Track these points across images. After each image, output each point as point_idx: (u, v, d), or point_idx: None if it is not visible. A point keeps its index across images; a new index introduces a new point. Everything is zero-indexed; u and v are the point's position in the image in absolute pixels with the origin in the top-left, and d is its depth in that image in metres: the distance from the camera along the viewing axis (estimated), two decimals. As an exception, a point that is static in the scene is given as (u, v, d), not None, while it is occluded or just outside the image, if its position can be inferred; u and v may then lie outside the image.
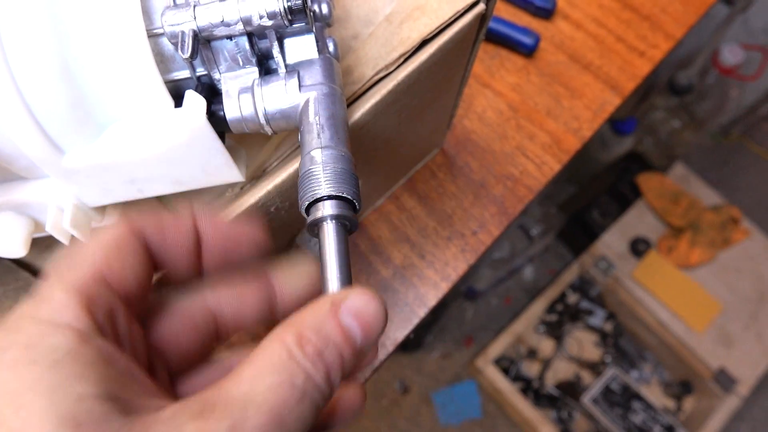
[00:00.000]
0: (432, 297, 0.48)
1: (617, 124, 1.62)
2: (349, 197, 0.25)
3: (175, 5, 0.28)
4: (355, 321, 0.20)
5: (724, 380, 1.44)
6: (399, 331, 0.47)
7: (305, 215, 0.26)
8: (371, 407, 1.55)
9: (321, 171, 0.26)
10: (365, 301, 0.20)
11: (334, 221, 0.25)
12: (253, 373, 0.17)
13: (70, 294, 0.17)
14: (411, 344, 1.62)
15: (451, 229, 0.50)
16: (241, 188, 0.37)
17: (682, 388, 1.53)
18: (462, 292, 1.63)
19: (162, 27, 0.28)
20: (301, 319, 0.19)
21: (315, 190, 0.25)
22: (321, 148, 0.26)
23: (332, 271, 0.24)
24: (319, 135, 0.27)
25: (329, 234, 0.25)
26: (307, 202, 0.25)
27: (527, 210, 0.52)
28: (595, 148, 1.71)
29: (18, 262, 0.46)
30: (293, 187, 0.31)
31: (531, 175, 0.52)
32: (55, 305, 0.17)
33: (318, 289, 0.24)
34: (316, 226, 0.25)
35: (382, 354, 0.47)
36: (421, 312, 0.48)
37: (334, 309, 0.20)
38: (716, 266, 1.57)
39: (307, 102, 0.29)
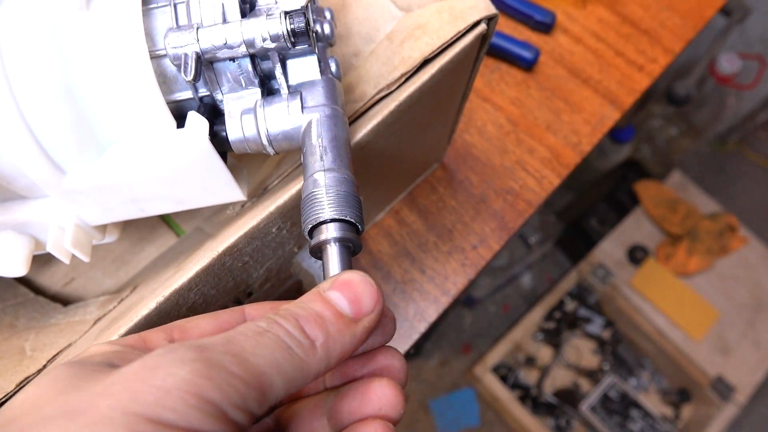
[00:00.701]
0: (432, 312, 0.48)
1: (615, 132, 1.63)
2: (352, 220, 0.25)
3: (178, 27, 0.28)
4: (337, 291, 0.21)
5: (722, 388, 1.44)
6: (399, 346, 0.47)
7: (308, 238, 0.26)
8: (369, 415, 1.54)
9: (324, 194, 0.26)
10: (350, 276, 0.22)
11: (337, 244, 0.25)
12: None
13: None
14: (409, 352, 1.62)
15: (452, 244, 0.50)
16: (243, 206, 0.37)
17: (680, 396, 1.53)
18: (460, 299, 1.63)
19: (165, 49, 0.28)
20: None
21: (318, 213, 0.25)
22: (324, 170, 0.26)
23: None
24: (321, 157, 0.27)
25: (333, 256, 0.25)
26: (311, 225, 0.25)
27: (527, 223, 0.52)
28: (593, 157, 1.71)
29: (18, 279, 0.46)
30: (295, 207, 0.30)
31: (531, 190, 0.52)
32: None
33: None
34: (319, 250, 0.25)
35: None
36: (421, 327, 0.48)
37: (318, 291, 0.22)
38: (714, 274, 1.58)
39: (309, 123, 0.29)
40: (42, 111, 0.27)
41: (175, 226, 0.47)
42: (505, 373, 1.56)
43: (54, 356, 0.33)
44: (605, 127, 0.55)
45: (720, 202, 1.66)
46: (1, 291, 0.43)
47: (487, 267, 0.51)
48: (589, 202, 1.72)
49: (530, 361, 1.58)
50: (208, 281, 0.29)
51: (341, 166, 0.27)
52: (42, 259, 0.47)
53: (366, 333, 0.21)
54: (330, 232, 0.25)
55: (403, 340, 0.47)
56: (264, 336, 0.18)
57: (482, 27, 0.33)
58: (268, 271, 0.36)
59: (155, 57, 0.29)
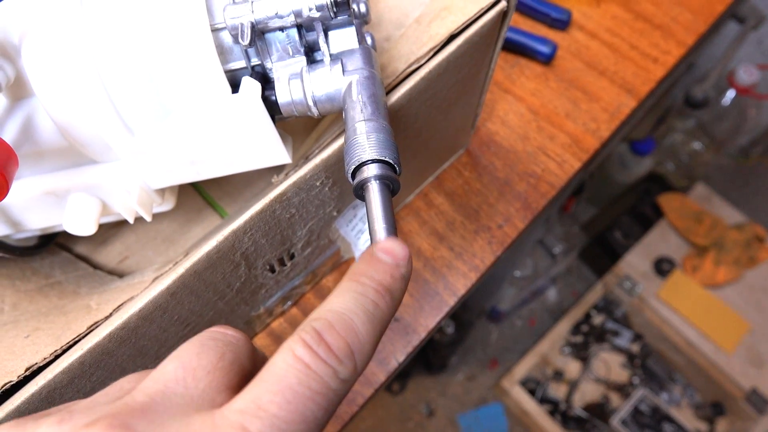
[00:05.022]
0: (461, 286, 0.51)
1: (636, 144, 1.64)
2: (390, 161, 0.29)
3: (235, 2, 0.32)
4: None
5: (757, 401, 1.41)
6: (430, 319, 0.50)
7: (351, 180, 0.29)
8: (397, 430, 1.54)
9: (365, 139, 0.29)
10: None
11: (378, 181, 0.28)
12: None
13: None
14: (436, 367, 1.62)
15: (478, 224, 0.53)
16: (286, 174, 0.41)
17: (713, 409, 1.50)
18: (486, 312, 1.64)
19: (223, 21, 0.32)
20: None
21: (360, 154, 0.28)
22: (364, 120, 0.30)
23: (379, 225, 0.27)
24: (362, 110, 0.30)
25: (374, 192, 0.28)
26: (353, 166, 0.29)
27: (549, 211, 0.54)
28: (614, 169, 1.73)
29: (77, 255, 0.50)
30: (337, 163, 0.34)
31: (553, 173, 0.55)
32: None
33: None
34: (362, 188, 0.28)
35: (416, 340, 0.49)
36: (452, 301, 0.50)
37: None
38: (743, 285, 1.56)
39: (350, 85, 0.32)
40: (118, 78, 0.31)
41: (219, 209, 0.51)
42: (533, 387, 1.55)
43: (118, 307, 0.36)
44: (623, 114, 0.58)
45: (745, 214, 1.65)
46: (63, 265, 0.47)
47: (513, 247, 0.53)
48: (613, 216, 1.73)
49: (558, 375, 1.57)
50: (260, 227, 0.33)
51: (379, 117, 0.30)
52: (98, 240, 0.51)
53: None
54: (371, 170, 0.28)
55: (434, 312, 0.50)
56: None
57: (503, 4, 0.37)
58: (310, 232, 0.39)
59: (215, 30, 0.33)
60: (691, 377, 1.54)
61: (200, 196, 0.52)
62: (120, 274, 0.48)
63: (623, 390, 1.54)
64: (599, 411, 1.51)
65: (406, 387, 1.61)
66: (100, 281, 0.45)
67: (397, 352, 0.49)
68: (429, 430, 1.55)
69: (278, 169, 0.36)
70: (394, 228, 0.27)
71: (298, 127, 0.48)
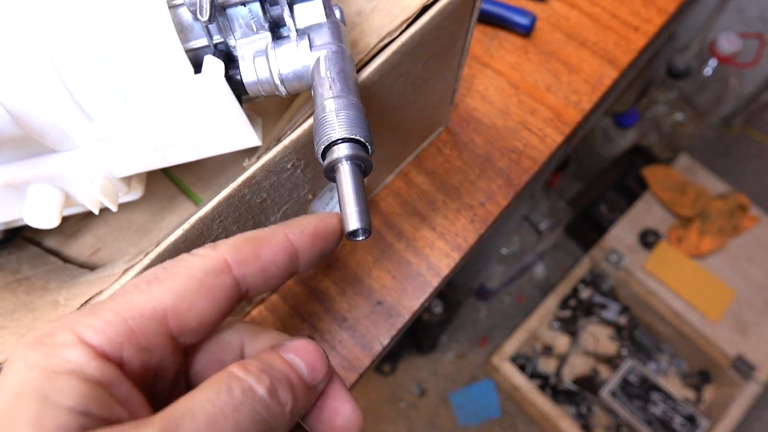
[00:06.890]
0: (444, 266, 0.50)
1: (619, 117, 1.64)
2: (362, 140, 0.27)
3: (192, -24, 0.30)
4: (296, 356, 0.21)
5: (743, 367, 1.43)
6: (414, 300, 0.49)
7: (321, 161, 0.28)
8: (390, 410, 1.55)
9: (334, 117, 0.27)
10: (304, 342, 0.22)
11: (349, 162, 0.27)
12: (195, 391, 0.18)
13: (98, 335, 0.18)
14: (426, 347, 1.63)
15: (460, 202, 0.52)
16: (258, 157, 0.39)
17: (700, 377, 1.52)
18: (474, 291, 1.64)
19: (181, -3, 0.30)
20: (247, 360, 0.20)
21: (329, 134, 0.27)
22: (333, 97, 0.28)
23: (351, 207, 0.26)
24: (330, 87, 0.29)
25: (345, 173, 0.26)
26: (323, 146, 0.27)
27: (532, 187, 0.53)
28: (599, 143, 1.72)
29: (46, 249, 0.48)
30: (308, 143, 0.32)
31: (535, 148, 0.54)
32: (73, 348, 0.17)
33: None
34: (332, 169, 0.27)
35: (399, 323, 0.48)
36: (435, 281, 0.49)
37: (275, 348, 0.22)
38: (727, 254, 1.57)
39: (318, 60, 0.31)
40: (72, 62, 0.29)
41: (193, 196, 0.49)
42: (523, 362, 1.56)
43: (86, 301, 0.35)
44: (604, 85, 0.57)
45: (728, 183, 1.66)
46: (32, 260, 0.45)
47: (496, 225, 0.52)
48: (599, 190, 1.73)
49: (548, 350, 1.59)
50: (229, 214, 0.31)
51: (349, 94, 0.29)
52: (68, 232, 0.49)
53: (315, 398, 0.22)
54: (341, 150, 0.27)
55: (418, 293, 0.49)
56: (239, 411, 0.17)
57: (476, -28, 0.35)
58: (285, 216, 0.38)
59: (172, 7, 0.31)
60: (678, 347, 1.56)
61: (172, 183, 0.50)
62: (92, 267, 0.47)
63: (612, 362, 1.55)
64: (589, 383, 1.53)
65: (397, 368, 1.61)
66: (70, 275, 0.44)
67: (381, 335, 0.48)
68: (421, 409, 1.56)
69: (253, 153, 0.35)
70: (366, 210, 0.26)
71: (272, 108, 0.46)
